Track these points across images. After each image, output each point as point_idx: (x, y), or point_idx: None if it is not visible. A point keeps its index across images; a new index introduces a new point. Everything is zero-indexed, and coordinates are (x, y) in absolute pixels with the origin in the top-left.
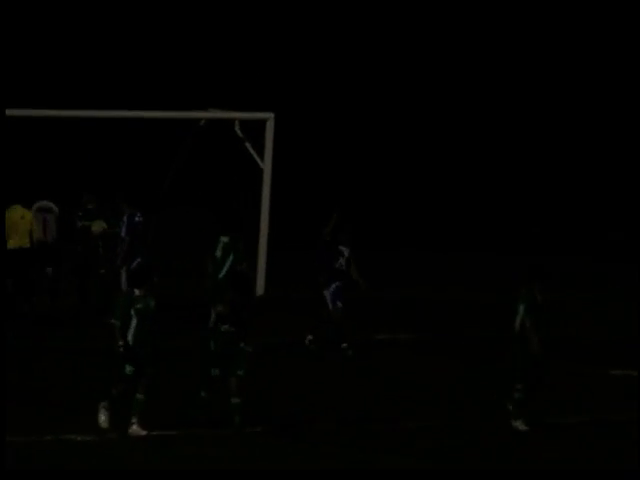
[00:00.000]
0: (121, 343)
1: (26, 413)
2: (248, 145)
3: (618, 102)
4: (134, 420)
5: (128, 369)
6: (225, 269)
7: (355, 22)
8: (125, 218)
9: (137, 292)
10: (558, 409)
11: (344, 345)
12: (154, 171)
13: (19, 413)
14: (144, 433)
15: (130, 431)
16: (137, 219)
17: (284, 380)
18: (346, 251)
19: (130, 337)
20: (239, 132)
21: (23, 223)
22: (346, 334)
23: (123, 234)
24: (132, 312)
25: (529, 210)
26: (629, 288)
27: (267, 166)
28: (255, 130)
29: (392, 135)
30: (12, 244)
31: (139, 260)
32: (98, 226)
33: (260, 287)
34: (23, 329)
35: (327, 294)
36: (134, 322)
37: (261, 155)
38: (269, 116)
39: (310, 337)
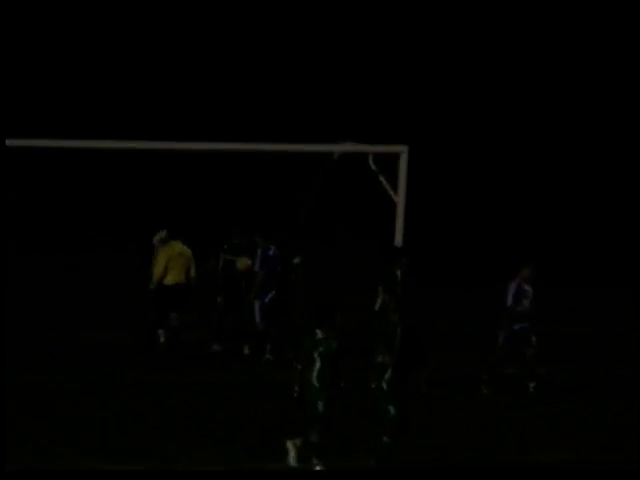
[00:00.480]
0: (296, 389)
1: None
2: (382, 178)
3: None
4: (315, 461)
5: (320, 407)
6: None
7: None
8: (259, 252)
9: (319, 333)
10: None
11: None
12: (289, 205)
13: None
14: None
15: (288, 445)
16: (271, 253)
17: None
18: (530, 292)
19: (314, 380)
20: (373, 165)
21: (181, 260)
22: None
23: (257, 268)
24: (315, 355)
25: None
26: None
27: (401, 199)
28: (389, 163)
29: (527, 168)
30: (169, 280)
31: (273, 294)
32: (243, 263)
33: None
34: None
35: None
36: (317, 365)
37: (395, 188)
38: (403, 149)
39: (485, 376)
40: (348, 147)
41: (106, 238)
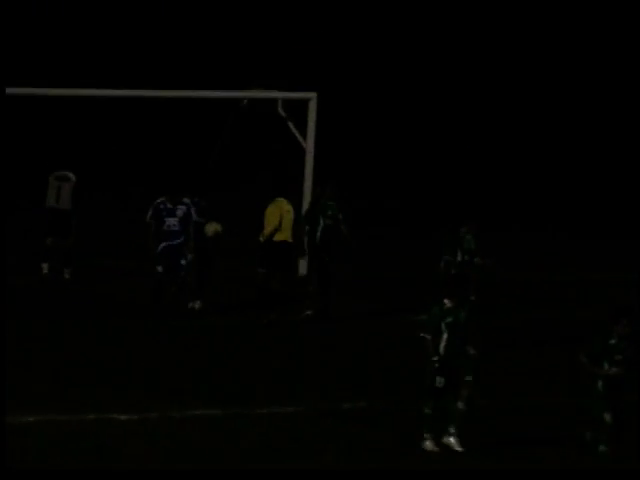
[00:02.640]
0: (435, 358)
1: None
2: (291, 124)
3: (617, 105)
4: (452, 431)
5: (439, 381)
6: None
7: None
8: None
9: (448, 303)
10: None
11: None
12: (197, 153)
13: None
14: (459, 449)
15: (446, 442)
16: (167, 206)
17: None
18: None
19: (441, 350)
20: (282, 111)
21: (289, 217)
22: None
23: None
24: (443, 326)
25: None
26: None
27: (310, 145)
28: (298, 109)
29: (440, 113)
30: (277, 237)
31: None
32: (211, 229)
33: (302, 267)
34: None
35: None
36: (445, 336)
37: (304, 134)
38: (312, 95)
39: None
40: (257, 93)
41: None
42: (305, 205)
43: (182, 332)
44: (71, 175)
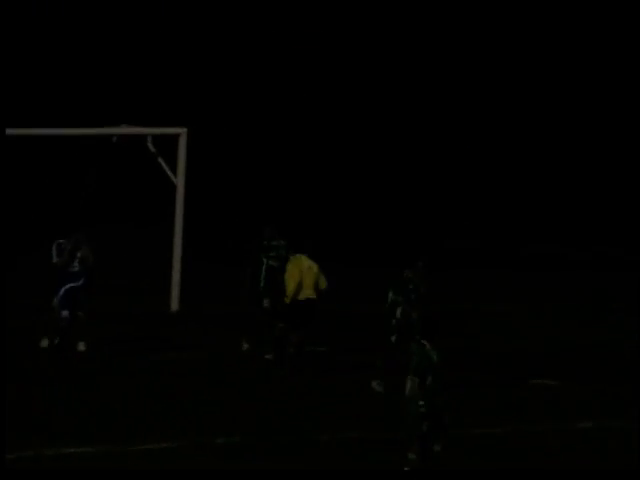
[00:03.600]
0: (421, 403)
1: None
2: (161, 160)
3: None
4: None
5: (425, 425)
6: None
7: (268, 32)
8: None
9: (427, 345)
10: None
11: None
12: (69, 189)
13: None
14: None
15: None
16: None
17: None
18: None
19: (428, 393)
20: (152, 147)
21: (310, 274)
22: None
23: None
24: (428, 369)
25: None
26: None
27: (180, 181)
28: (168, 145)
29: (305, 149)
30: (301, 295)
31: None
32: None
33: (174, 302)
34: None
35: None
36: (430, 378)
37: (174, 170)
38: (182, 131)
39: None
40: (127, 129)
41: None
42: (176, 240)
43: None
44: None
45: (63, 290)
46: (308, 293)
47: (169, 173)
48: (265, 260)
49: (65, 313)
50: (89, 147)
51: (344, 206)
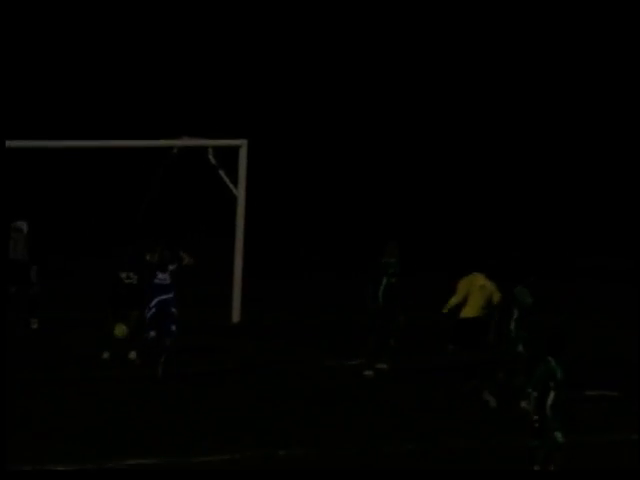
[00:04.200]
0: (536, 418)
1: None
2: (222, 172)
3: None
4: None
5: (534, 443)
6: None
7: (327, 46)
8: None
9: (552, 361)
10: None
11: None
12: (129, 202)
13: None
14: None
15: None
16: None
17: None
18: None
19: (548, 409)
20: (212, 159)
21: (481, 293)
22: None
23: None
24: (551, 384)
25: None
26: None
27: (241, 193)
28: (229, 157)
29: (367, 162)
30: (465, 313)
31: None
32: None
33: (236, 314)
34: None
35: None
36: (552, 394)
37: (235, 182)
38: (242, 143)
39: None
40: (187, 141)
41: None
42: (237, 251)
43: (136, 382)
44: (24, 226)
45: (155, 303)
46: (473, 312)
47: (230, 185)
48: (386, 278)
49: (152, 334)
50: (150, 159)
51: (412, 215)
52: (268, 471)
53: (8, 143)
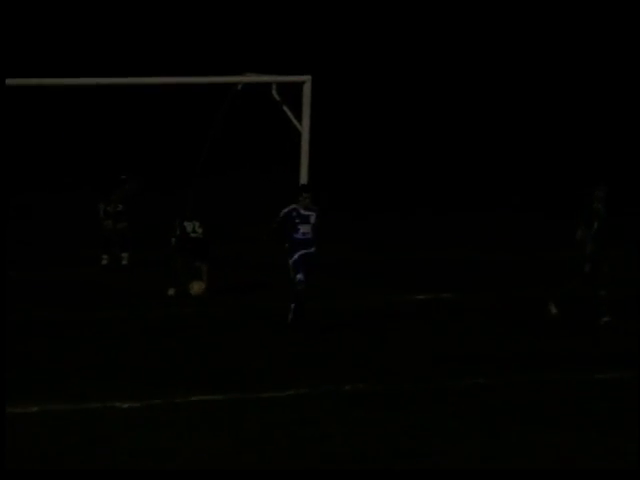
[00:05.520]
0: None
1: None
2: (286, 108)
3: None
4: None
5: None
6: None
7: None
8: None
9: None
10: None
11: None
12: (193, 138)
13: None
14: None
15: None
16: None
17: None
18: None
19: None
20: (276, 95)
21: None
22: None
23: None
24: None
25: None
26: None
27: (305, 129)
28: (293, 93)
29: (421, 101)
30: None
31: None
32: (197, 287)
33: None
34: None
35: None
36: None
37: (299, 118)
38: (306, 79)
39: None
40: (251, 77)
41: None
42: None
43: (184, 321)
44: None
45: (297, 255)
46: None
47: (294, 121)
48: (597, 223)
49: (300, 277)
50: (214, 96)
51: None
52: (331, 406)
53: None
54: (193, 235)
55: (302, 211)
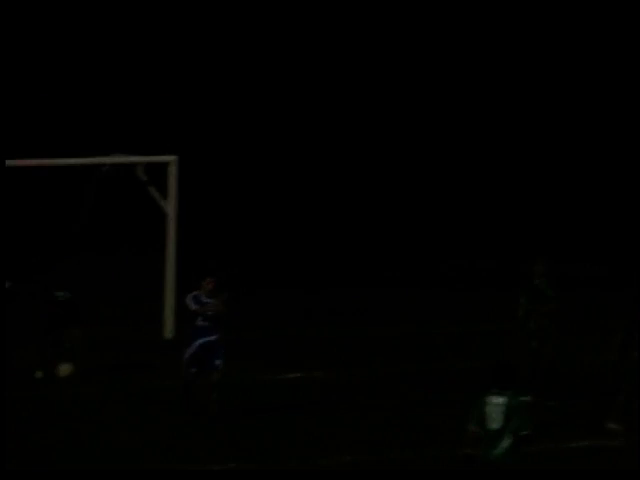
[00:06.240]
0: (468, 451)
1: None
2: (152, 188)
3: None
4: None
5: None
6: None
7: (258, 61)
8: None
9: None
10: None
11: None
12: (60, 219)
13: None
14: None
15: None
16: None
17: None
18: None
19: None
20: (143, 176)
21: None
22: None
23: None
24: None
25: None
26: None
27: (171, 209)
28: (159, 174)
29: (298, 176)
30: None
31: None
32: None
33: (169, 331)
34: None
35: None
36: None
37: (166, 198)
38: (172, 159)
39: None
40: (117, 158)
41: None
42: (169, 268)
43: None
44: None
45: (196, 346)
46: None
47: (160, 201)
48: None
49: (193, 370)
50: (81, 177)
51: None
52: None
53: None
54: (61, 299)
55: (203, 298)
